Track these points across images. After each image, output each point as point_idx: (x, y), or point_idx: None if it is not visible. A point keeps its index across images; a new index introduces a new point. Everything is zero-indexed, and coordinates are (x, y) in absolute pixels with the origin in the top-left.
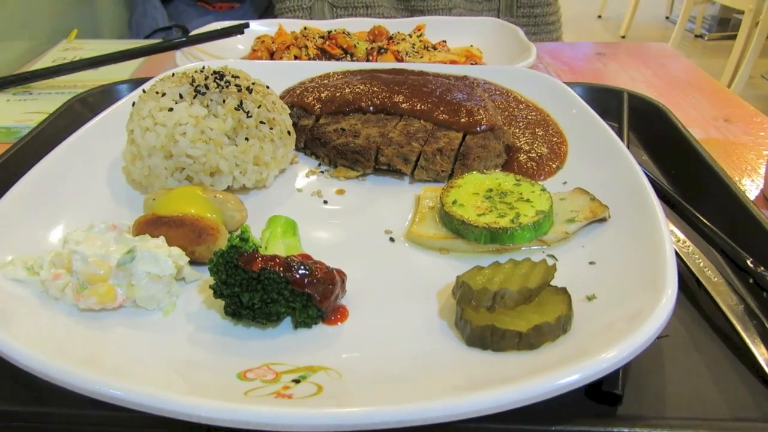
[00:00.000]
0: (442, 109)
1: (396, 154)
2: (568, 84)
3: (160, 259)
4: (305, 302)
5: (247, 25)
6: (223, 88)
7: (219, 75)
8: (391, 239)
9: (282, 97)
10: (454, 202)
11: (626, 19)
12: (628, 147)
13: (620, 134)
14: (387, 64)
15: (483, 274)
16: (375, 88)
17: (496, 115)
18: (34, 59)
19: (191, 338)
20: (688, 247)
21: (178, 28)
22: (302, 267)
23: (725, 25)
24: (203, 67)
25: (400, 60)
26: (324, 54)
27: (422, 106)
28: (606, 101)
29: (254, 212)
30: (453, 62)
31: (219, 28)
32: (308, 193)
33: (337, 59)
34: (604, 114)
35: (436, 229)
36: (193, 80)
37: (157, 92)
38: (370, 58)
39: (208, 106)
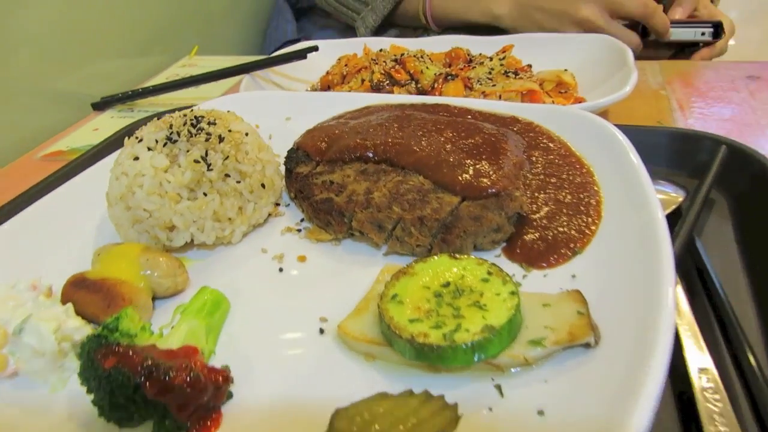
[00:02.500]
0: (446, 164)
1: (369, 219)
2: (652, 129)
3: (44, 334)
4: (163, 411)
5: (313, 49)
6: (192, 136)
7: (195, 121)
8: (321, 330)
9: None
10: (394, 297)
11: None
12: (693, 228)
13: (693, 201)
14: (430, 98)
15: (365, 413)
16: (388, 133)
17: (513, 177)
18: (156, 74)
19: (63, 425)
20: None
21: (306, 40)
22: (156, 370)
23: None
24: (190, 110)
25: (469, 88)
26: (390, 78)
27: (427, 159)
28: (698, 154)
29: (202, 274)
30: (532, 93)
31: (284, 52)
32: (270, 256)
33: (401, 86)
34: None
35: (368, 327)
36: (171, 126)
37: (136, 137)
38: (436, 85)
39: (176, 155)
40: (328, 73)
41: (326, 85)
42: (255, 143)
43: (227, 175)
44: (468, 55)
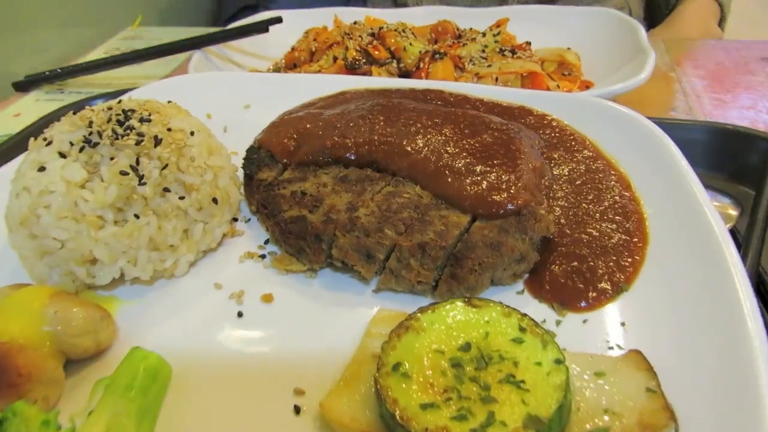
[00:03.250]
0: (450, 171)
1: (355, 245)
2: (685, 124)
3: None
4: None
5: (276, 21)
6: (118, 137)
7: (124, 116)
8: (297, 409)
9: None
10: (397, 368)
11: None
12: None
13: (754, 212)
14: (419, 82)
15: None
16: (373, 128)
17: (534, 188)
18: (92, 49)
19: None
20: None
21: (264, 5)
22: None
23: None
24: (117, 101)
25: (460, 69)
26: (366, 57)
27: (424, 164)
28: (745, 154)
29: (136, 322)
30: (534, 76)
31: (241, 24)
32: (226, 294)
33: (380, 65)
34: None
35: (361, 407)
36: (90, 124)
37: (44, 138)
38: (422, 65)
39: (96, 164)
40: (293, 49)
41: (291, 64)
42: (204, 145)
43: (166, 190)
44: (456, 29)
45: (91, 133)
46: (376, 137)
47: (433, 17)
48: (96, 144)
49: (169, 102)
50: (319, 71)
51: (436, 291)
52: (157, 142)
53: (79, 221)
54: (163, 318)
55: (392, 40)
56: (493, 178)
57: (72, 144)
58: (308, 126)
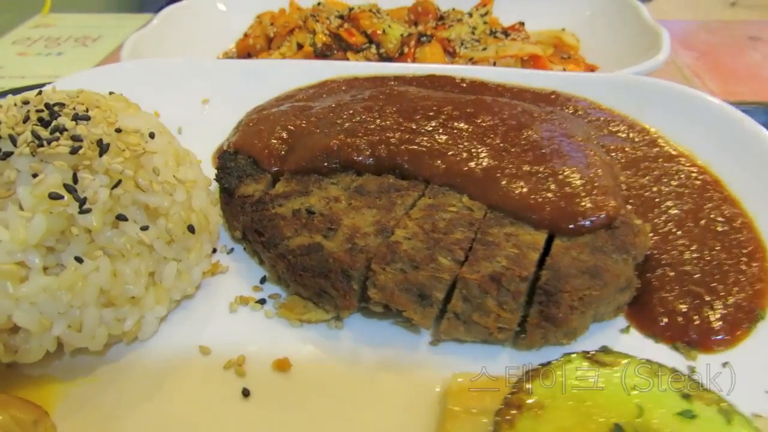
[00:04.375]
0: (508, 176)
1: (401, 283)
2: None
3: None
4: None
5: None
6: (43, 143)
7: (49, 113)
8: None
9: (228, 138)
10: None
11: None
12: None
13: None
14: (423, 67)
15: None
16: (388, 124)
17: (617, 194)
18: None
19: None
20: None
21: None
22: None
23: None
24: (37, 92)
25: (450, 54)
26: (338, 42)
27: (469, 168)
28: None
29: (85, 418)
30: (535, 59)
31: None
32: (219, 363)
33: (356, 51)
34: None
35: None
36: None
37: None
38: (406, 50)
39: (10, 184)
40: (246, 36)
41: (245, 53)
42: (169, 151)
43: (121, 218)
44: (438, 10)
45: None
46: (397, 134)
47: None
48: (7, 154)
49: (110, 94)
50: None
51: (521, 339)
52: (103, 148)
53: None
54: (126, 407)
55: (367, 22)
56: (567, 181)
57: None
58: (300, 123)
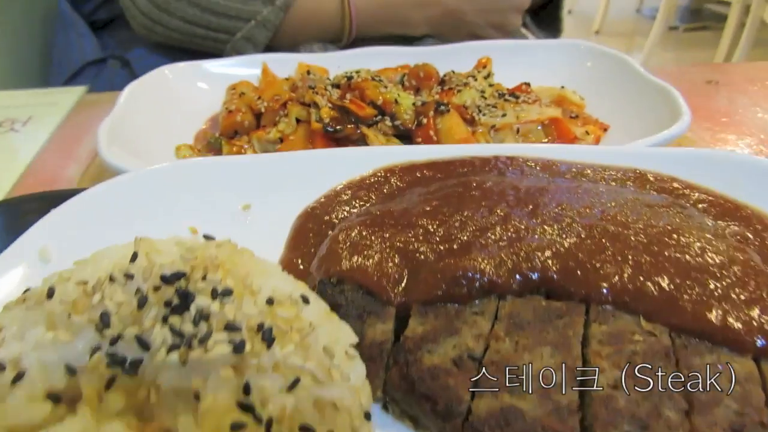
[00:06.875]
0: (691, 289)
1: None
2: None
3: None
4: None
5: None
6: (192, 343)
7: (180, 295)
8: None
9: (320, 264)
10: None
11: (599, 13)
12: None
13: None
14: (489, 147)
15: None
16: (512, 229)
17: None
18: None
19: None
20: None
21: (115, 60)
22: None
23: (697, 15)
24: (134, 257)
25: (469, 122)
26: (346, 115)
27: (643, 281)
28: None
29: None
30: (557, 123)
31: None
32: None
33: (368, 125)
34: None
35: None
36: (105, 319)
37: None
38: (424, 120)
39: (149, 406)
40: (230, 111)
41: (232, 131)
42: (323, 320)
43: (304, 429)
44: (438, 74)
45: (115, 340)
46: (545, 251)
47: (375, 60)
48: (135, 365)
49: (208, 239)
50: (282, 139)
51: None
52: (267, 335)
53: None
54: None
55: (374, 92)
56: (746, 291)
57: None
58: (407, 238)
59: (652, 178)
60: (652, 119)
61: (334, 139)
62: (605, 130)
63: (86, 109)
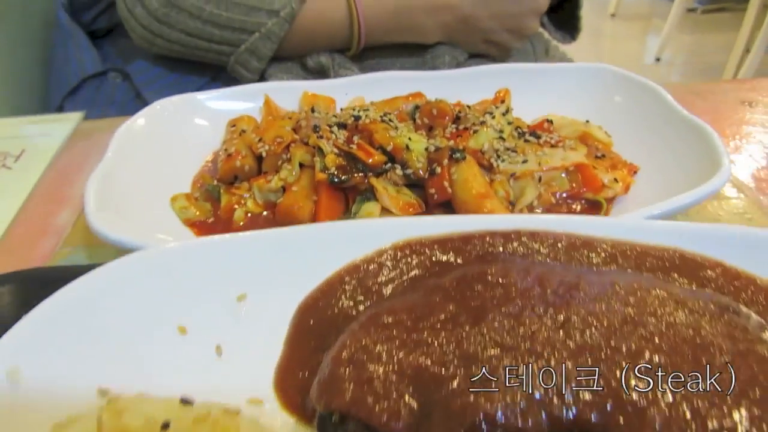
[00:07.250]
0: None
1: None
2: None
3: None
4: None
5: None
6: None
7: None
8: None
9: (321, 393)
10: None
11: None
12: None
13: None
14: (510, 219)
15: None
16: (540, 355)
17: None
18: None
19: None
20: None
21: (116, 73)
22: None
23: None
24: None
25: (487, 168)
26: (353, 162)
27: (685, 425)
28: None
29: None
30: (582, 169)
31: None
32: None
33: (377, 174)
34: None
35: None
36: None
37: None
38: (438, 169)
39: None
40: (229, 155)
41: (231, 176)
42: None
43: None
44: (452, 110)
45: None
46: (584, 391)
47: (389, 85)
48: None
49: (193, 419)
50: (284, 187)
51: None
52: None
53: None
54: None
55: (383, 136)
56: None
57: None
58: (419, 362)
59: (713, 261)
60: (687, 162)
61: (341, 188)
62: (635, 172)
63: (81, 140)
